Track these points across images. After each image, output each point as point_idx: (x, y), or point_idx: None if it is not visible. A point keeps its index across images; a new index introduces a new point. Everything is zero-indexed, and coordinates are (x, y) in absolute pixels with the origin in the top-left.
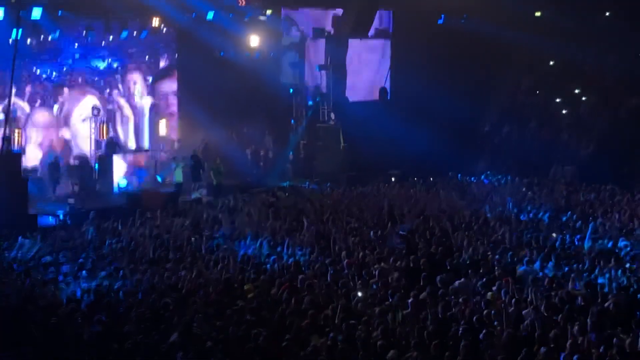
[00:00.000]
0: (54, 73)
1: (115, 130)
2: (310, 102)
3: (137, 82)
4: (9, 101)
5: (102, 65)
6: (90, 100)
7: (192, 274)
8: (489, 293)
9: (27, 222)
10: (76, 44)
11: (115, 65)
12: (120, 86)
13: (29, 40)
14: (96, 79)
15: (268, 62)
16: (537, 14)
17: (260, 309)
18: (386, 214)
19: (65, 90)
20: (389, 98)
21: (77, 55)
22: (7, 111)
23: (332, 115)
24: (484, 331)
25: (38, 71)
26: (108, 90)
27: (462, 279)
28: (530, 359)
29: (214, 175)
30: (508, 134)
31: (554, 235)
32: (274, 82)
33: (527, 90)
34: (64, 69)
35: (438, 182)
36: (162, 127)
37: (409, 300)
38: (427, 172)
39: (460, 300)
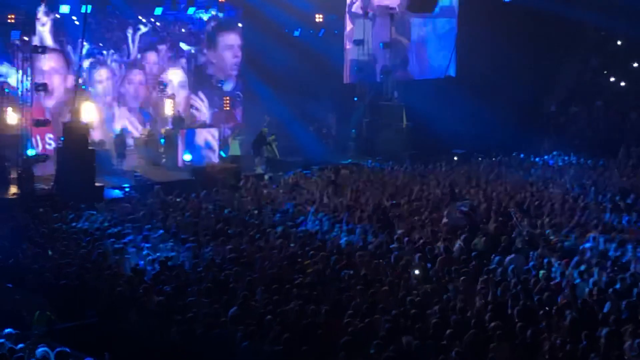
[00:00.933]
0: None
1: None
2: (373, 80)
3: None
4: (78, 74)
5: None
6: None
7: (253, 248)
8: (541, 272)
9: (93, 193)
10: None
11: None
12: (185, 63)
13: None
14: (163, 55)
15: (332, 40)
16: None
17: (319, 285)
18: (448, 192)
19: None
20: (454, 76)
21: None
22: (76, 84)
23: (395, 94)
24: (540, 312)
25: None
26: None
27: (514, 255)
28: (593, 342)
29: (267, 150)
30: (575, 114)
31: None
32: (339, 59)
33: (595, 69)
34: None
35: (502, 161)
36: (225, 103)
37: (462, 279)
38: (491, 152)
39: (514, 279)
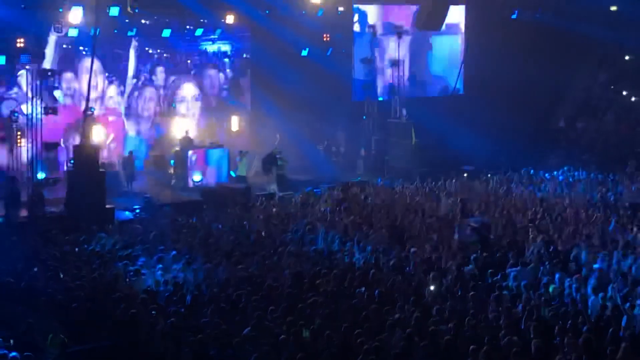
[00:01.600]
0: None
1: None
2: (381, 98)
3: (213, 78)
4: (88, 97)
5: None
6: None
7: (265, 268)
8: (552, 287)
9: (104, 215)
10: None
11: (188, 61)
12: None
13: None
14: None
15: (340, 58)
16: (613, 8)
17: (333, 303)
18: (459, 209)
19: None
20: (462, 93)
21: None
22: (86, 107)
23: (404, 111)
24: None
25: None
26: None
27: (520, 268)
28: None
29: (276, 168)
30: (583, 129)
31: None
32: (346, 78)
33: (603, 84)
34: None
35: (512, 177)
36: (234, 123)
37: (472, 294)
38: (500, 168)
39: (526, 295)
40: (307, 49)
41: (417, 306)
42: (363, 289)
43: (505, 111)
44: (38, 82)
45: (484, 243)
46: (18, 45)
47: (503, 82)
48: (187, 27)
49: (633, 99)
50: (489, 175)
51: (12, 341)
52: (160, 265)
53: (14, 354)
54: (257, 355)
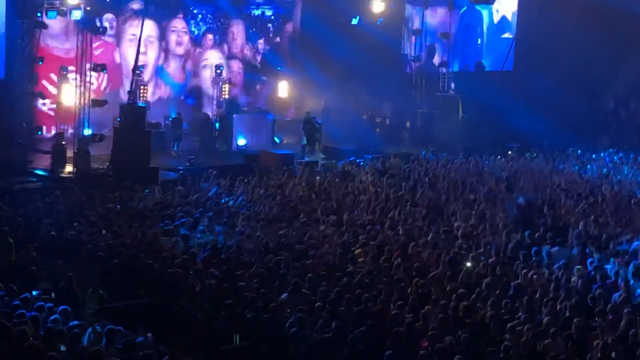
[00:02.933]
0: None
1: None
2: (431, 71)
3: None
4: (137, 56)
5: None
6: (214, 59)
7: (306, 235)
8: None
9: (149, 175)
10: None
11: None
12: (241, 46)
13: None
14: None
15: (390, 29)
16: None
17: (370, 274)
18: (504, 186)
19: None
20: (511, 70)
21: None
22: (135, 66)
23: (452, 85)
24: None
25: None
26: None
27: (557, 248)
28: None
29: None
30: (634, 111)
31: None
32: (396, 49)
33: None
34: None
35: (558, 156)
36: (282, 89)
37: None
38: (546, 147)
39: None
40: (358, 18)
41: (455, 281)
42: (401, 263)
43: (556, 89)
44: (88, 38)
45: (528, 222)
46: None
47: (555, 59)
48: None
49: None
50: (535, 154)
51: (52, 294)
52: (201, 227)
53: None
54: (292, 321)
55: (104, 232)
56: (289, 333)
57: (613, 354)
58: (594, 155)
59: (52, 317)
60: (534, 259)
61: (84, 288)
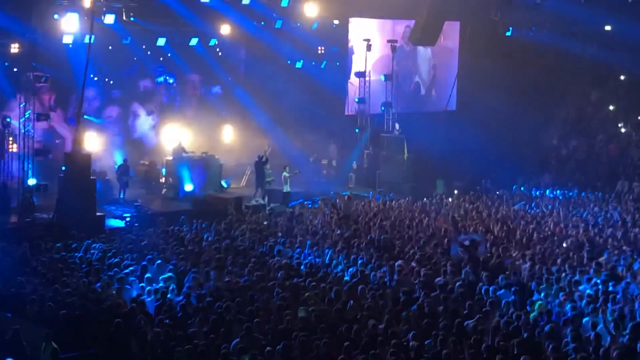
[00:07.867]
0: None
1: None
2: (374, 112)
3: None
4: (81, 104)
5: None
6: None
7: (254, 279)
8: (539, 303)
9: (94, 223)
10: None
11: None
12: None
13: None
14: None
15: (335, 71)
16: (607, 27)
17: (321, 316)
18: (450, 225)
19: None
20: (454, 109)
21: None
22: (79, 113)
23: (397, 126)
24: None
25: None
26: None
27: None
28: None
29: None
30: (575, 148)
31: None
32: (340, 91)
33: (596, 103)
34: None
35: (503, 194)
36: (227, 132)
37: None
38: (491, 185)
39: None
40: (302, 61)
41: (404, 322)
42: (351, 302)
43: (498, 128)
44: (31, 88)
45: (473, 261)
46: (12, 50)
47: (496, 99)
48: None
49: (627, 116)
50: (480, 192)
51: None
52: (149, 275)
53: None
54: None
55: (50, 283)
56: None
57: None
58: (537, 192)
59: None
60: (484, 298)
61: (31, 340)
